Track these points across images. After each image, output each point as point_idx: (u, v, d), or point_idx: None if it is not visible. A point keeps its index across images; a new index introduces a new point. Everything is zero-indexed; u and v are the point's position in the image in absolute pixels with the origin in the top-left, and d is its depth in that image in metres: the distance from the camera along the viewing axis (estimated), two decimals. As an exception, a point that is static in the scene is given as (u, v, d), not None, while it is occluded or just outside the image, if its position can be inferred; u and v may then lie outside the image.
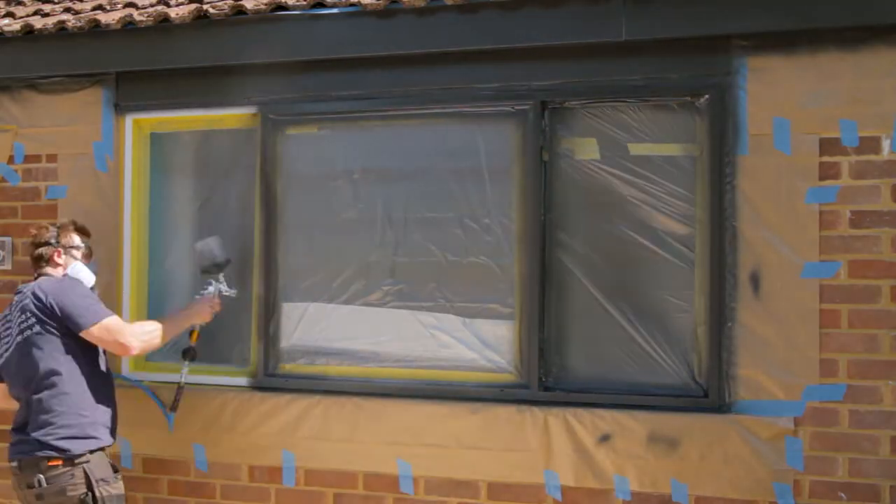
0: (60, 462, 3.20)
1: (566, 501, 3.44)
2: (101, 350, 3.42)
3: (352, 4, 3.64)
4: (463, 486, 3.55)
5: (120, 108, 4.05)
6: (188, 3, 3.96)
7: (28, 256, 3.57)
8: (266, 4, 3.71)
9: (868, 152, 3.21)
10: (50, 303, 3.27)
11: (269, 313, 3.83)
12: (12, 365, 3.35)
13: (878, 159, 3.20)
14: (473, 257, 3.65)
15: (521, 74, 3.54)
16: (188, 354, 3.73)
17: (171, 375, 3.83)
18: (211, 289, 3.70)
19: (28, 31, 4.05)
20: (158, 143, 4.11)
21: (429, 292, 3.70)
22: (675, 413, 3.34)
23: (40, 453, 3.20)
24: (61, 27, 3.99)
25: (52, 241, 3.49)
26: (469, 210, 3.66)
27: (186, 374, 3.73)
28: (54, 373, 3.26)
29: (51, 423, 3.22)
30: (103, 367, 3.46)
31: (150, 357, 4.00)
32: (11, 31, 4.06)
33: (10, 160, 4.21)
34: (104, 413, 3.37)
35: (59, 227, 3.55)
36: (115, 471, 3.35)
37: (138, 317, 3.98)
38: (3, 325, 3.43)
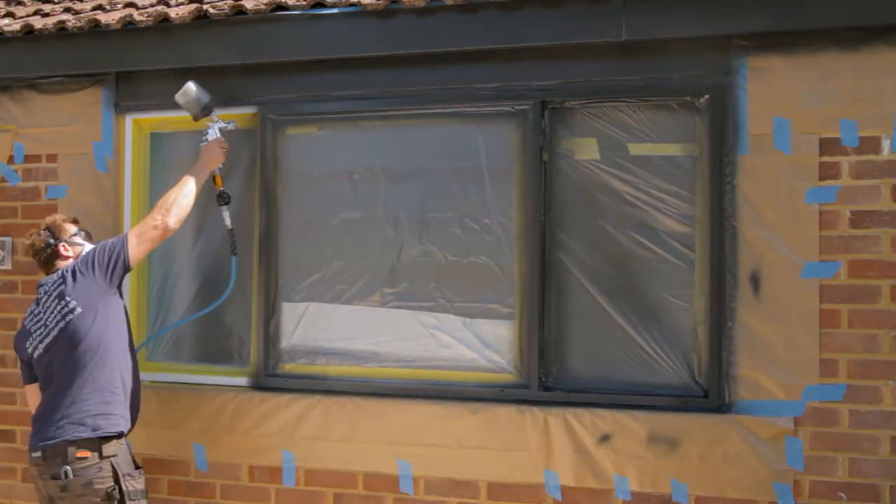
0: (88, 454, 3.16)
1: (566, 501, 3.44)
2: (130, 336, 3.46)
3: (352, 4, 3.64)
4: (463, 486, 3.55)
5: (120, 108, 4.05)
6: (188, 3, 3.96)
7: (32, 259, 3.59)
8: (266, 4, 3.71)
9: (868, 152, 3.21)
10: (81, 269, 3.32)
11: (269, 313, 3.83)
12: (53, 353, 3.29)
13: (878, 159, 3.20)
14: (473, 257, 3.65)
15: (521, 74, 3.54)
16: (222, 198, 3.76)
17: (172, 375, 3.85)
18: (211, 131, 3.70)
19: (28, 31, 4.05)
20: (158, 143, 4.11)
21: (429, 292, 3.70)
22: (675, 413, 3.34)
23: (70, 436, 3.16)
24: (61, 27, 3.99)
25: (51, 240, 3.50)
26: (469, 210, 3.66)
27: (229, 217, 3.78)
28: (95, 349, 3.25)
29: (83, 400, 3.21)
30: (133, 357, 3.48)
31: (150, 357, 4.01)
32: (11, 31, 4.06)
33: (10, 160, 4.21)
34: (135, 395, 3.41)
35: (49, 229, 3.54)
36: (138, 466, 3.34)
37: (138, 317, 3.98)
38: (32, 321, 3.39)
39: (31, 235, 3.55)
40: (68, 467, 3.14)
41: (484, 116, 3.65)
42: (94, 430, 3.19)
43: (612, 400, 3.43)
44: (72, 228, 3.56)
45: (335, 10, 3.65)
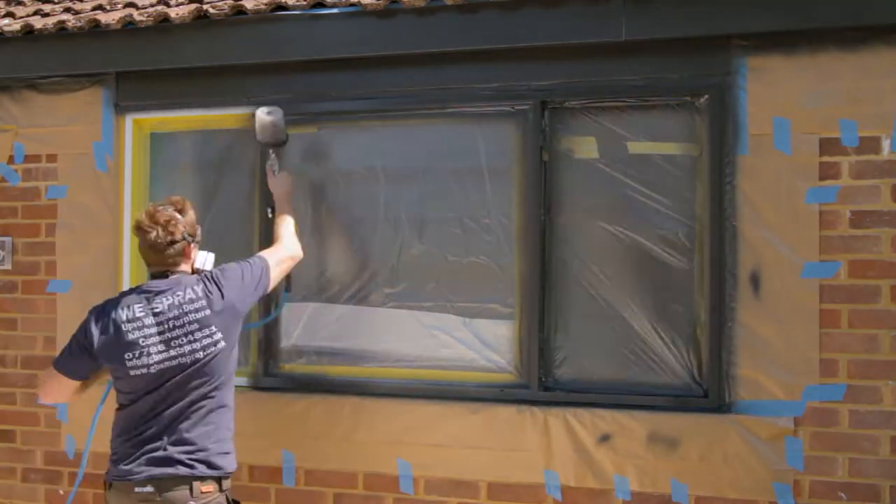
0: (212, 488, 2.88)
1: (566, 501, 3.44)
2: None
3: (352, 4, 3.64)
4: (463, 486, 3.55)
5: (120, 108, 4.05)
6: (188, 3, 3.96)
7: (143, 245, 3.00)
8: (266, 4, 3.71)
9: (868, 152, 3.21)
10: (226, 293, 2.95)
11: (270, 313, 3.83)
12: (166, 379, 2.88)
13: (878, 159, 3.20)
14: (473, 257, 3.65)
15: (521, 74, 3.54)
16: None
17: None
18: (274, 165, 3.65)
19: (28, 31, 4.05)
20: (158, 143, 4.11)
21: (429, 292, 3.70)
22: (675, 413, 3.34)
23: (197, 471, 2.85)
24: (61, 27, 3.99)
25: (185, 235, 3.01)
26: (469, 210, 3.66)
27: None
28: (226, 391, 2.98)
29: (209, 436, 2.91)
30: None
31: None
32: (11, 31, 4.06)
33: (10, 160, 4.21)
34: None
35: (180, 211, 3.04)
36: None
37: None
38: (141, 331, 2.89)
39: (156, 215, 2.97)
40: (193, 503, 2.85)
41: (484, 116, 3.65)
42: (219, 468, 2.93)
43: (612, 400, 3.43)
44: (198, 228, 3.13)
45: (335, 10, 3.65)
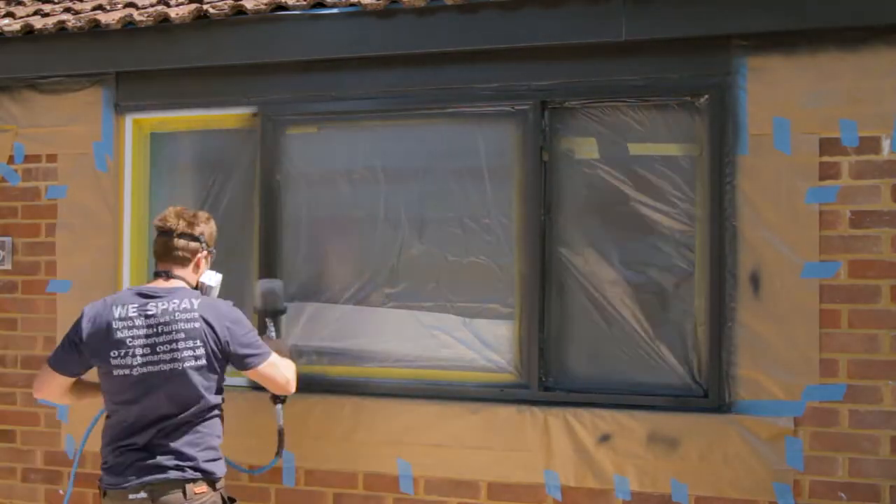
0: (205, 489, 2.88)
1: (566, 501, 3.44)
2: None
3: (352, 4, 3.64)
4: (463, 486, 3.55)
5: (120, 108, 4.05)
6: (188, 3, 3.97)
7: (157, 242, 3.02)
8: (266, 4, 3.71)
9: (868, 152, 3.21)
10: (226, 340, 2.89)
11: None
12: (152, 386, 2.85)
13: (878, 159, 3.20)
14: (473, 257, 3.65)
15: (521, 74, 3.54)
16: (280, 397, 3.42)
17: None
18: (271, 332, 3.53)
19: (28, 31, 4.05)
20: (158, 143, 4.11)
21: (429, 292, 3.70)
22: (675, 413, 3.34)
23: (188, 475, 2.84)
24: (61, 27, 3.99)
25: (202, 238, 3.03)
26: (469, 210, 3.66)
27: (282, 415, 3.50)
28: (210, 403, 2.92)
29: (196, 445, 2.89)
30: None
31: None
32: (11, 31, 4.06)
33: (10, 160, 4.21)
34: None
35: (201, 220, 3.07)
36: (233, 500, 3.08)
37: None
38: (130, 331, 2.87)
39: (181, 211, 3.03)
40: None
41: (484, 116, 3.65)
42: (211, 473, 2.92)
43: (612, 400, 3.43)
44: (215, 243, 3.14)
45: (335, 10, 3.65)
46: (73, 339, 2.94)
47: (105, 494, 2.92)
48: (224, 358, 2.92)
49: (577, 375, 3.53)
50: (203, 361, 2.86)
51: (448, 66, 3.62)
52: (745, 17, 3.26)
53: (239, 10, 3.75)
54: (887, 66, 3.19)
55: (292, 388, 3.14)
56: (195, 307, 2.88)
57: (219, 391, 2.96)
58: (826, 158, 3.24)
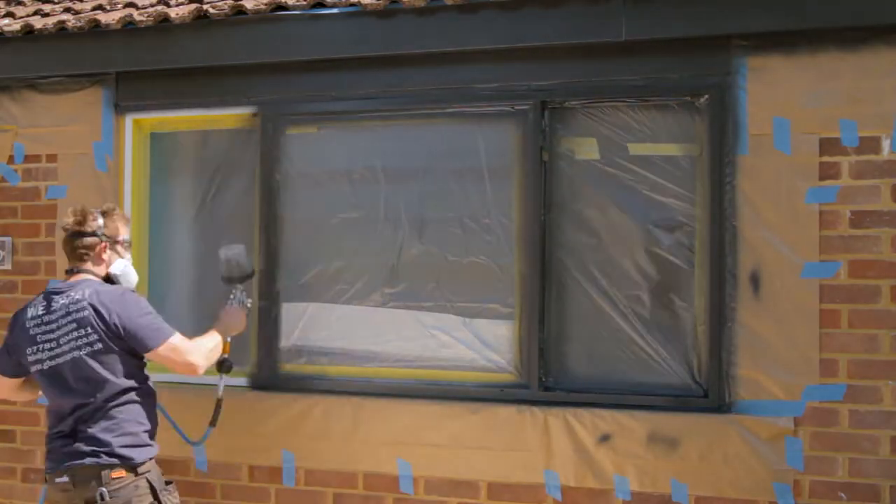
0: (124, 473, 2.97)
1: (566, 501, 3.44)
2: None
3: (352, 4, 3.64)
4: (463, 486, 3.55)
5: (120, 108, 4.05)
6: (188, 3, 3.97)
7: (64, 241, 3.17)
8: (266, 4, 3.71)
9: (868, 152, 3.21)
10: (115, 323, 3.00)
11: (270, 313, 3.83)
12: (62, 376, 3.01)
13: (878, 159, 3.20)
14: (473, 257, 3.65)
15: (521, 74, 3.54)
16: (224, 366, 3.51)
17: (173, 375, 3.83)
18: (237, 298, 3.54)
19: (28, 31, 4.05)
20: (158, 143, 4.11)
21: (429, 292, 3.70)
22: (675, 413, 3.34)
23: (103, 461, 2.95)
24: (61, 27, 3.99)
25: (99, 232, 3.15)
26: (469, 210, 3.66)
27: (224, 386, 3.56)
28: (119, 386, 3.02)
29: (111, 431, 2.99)
30: (149, 378, 3.24)
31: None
32: (11, 31, 4.06)
33: (10, 160, 4.21)
34: (154, 422, 3.19)
35: (103, 214, 3.20)
36: (168, 482, 3.16)
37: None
38: (39, 328, 3.05)
39: (79, 212, 3.15)
40: (104, 489, 2.93)
41: (484, 116, 3.65)
42: (128, 459, 3.01)
43: (612, 400, 3.43)
44: (124, 231, 3.25)
45: (335, 10, 3.65)
46: (6, 343, 3.20)
47: (45, 480, 3.12)
48: (122, 341, 3.03)
49: (577, 375, 3.53)
50: (99, 346, 3.00)
51: (448, 66, 3.61)
52: (745, 17, 3.26)
53: (239, 10, 3.75)
54: (887, 66, 3.18)
55: (199, 370, 3.18)
56: (85, 297, 3.03)
57: (129, 375, 3.07)
58: (826, 158, 3.24)
